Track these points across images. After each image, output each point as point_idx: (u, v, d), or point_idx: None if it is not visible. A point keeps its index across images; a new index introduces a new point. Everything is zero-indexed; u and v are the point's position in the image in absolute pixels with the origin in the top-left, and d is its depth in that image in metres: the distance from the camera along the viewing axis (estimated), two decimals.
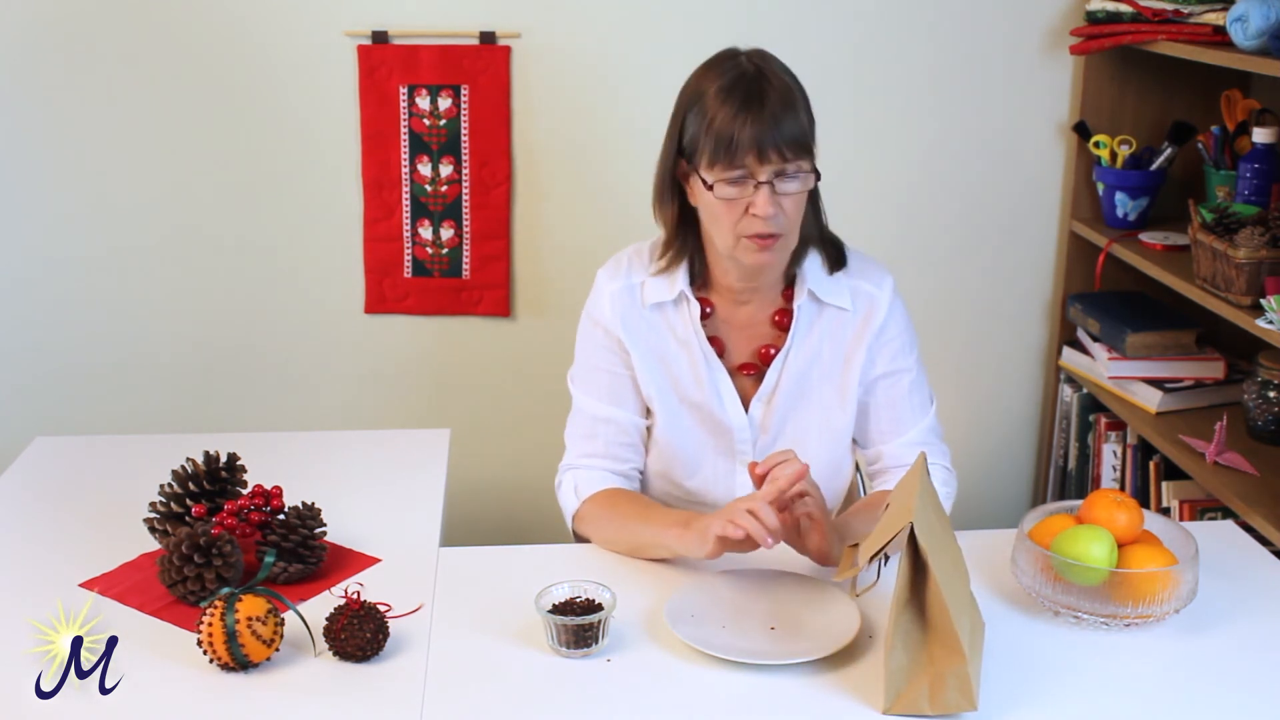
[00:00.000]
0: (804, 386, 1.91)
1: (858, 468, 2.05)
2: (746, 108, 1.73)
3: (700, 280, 1.91)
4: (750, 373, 1.92)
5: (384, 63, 2.76)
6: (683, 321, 1.90)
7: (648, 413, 1.95)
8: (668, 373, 1.92)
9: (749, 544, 1.66)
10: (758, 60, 1.79)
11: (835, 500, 1.98)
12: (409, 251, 2.88)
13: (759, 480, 1.70)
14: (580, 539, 1.94)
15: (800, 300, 1.88)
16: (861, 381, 1.92)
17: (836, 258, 1.91)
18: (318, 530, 1.76)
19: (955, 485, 1.96)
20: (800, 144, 1.74)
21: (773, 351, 1.90)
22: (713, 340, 1.90)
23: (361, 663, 1.55)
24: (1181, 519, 2.52)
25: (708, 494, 1.95)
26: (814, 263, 1.90)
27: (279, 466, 2.01)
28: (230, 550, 1.67)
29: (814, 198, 1.88)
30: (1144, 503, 2.42)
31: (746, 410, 1.91)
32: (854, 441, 1.99)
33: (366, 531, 1.88)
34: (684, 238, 1.89)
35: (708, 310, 1.90)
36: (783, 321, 1.90)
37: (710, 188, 1.76)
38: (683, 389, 1.91)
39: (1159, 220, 2.81)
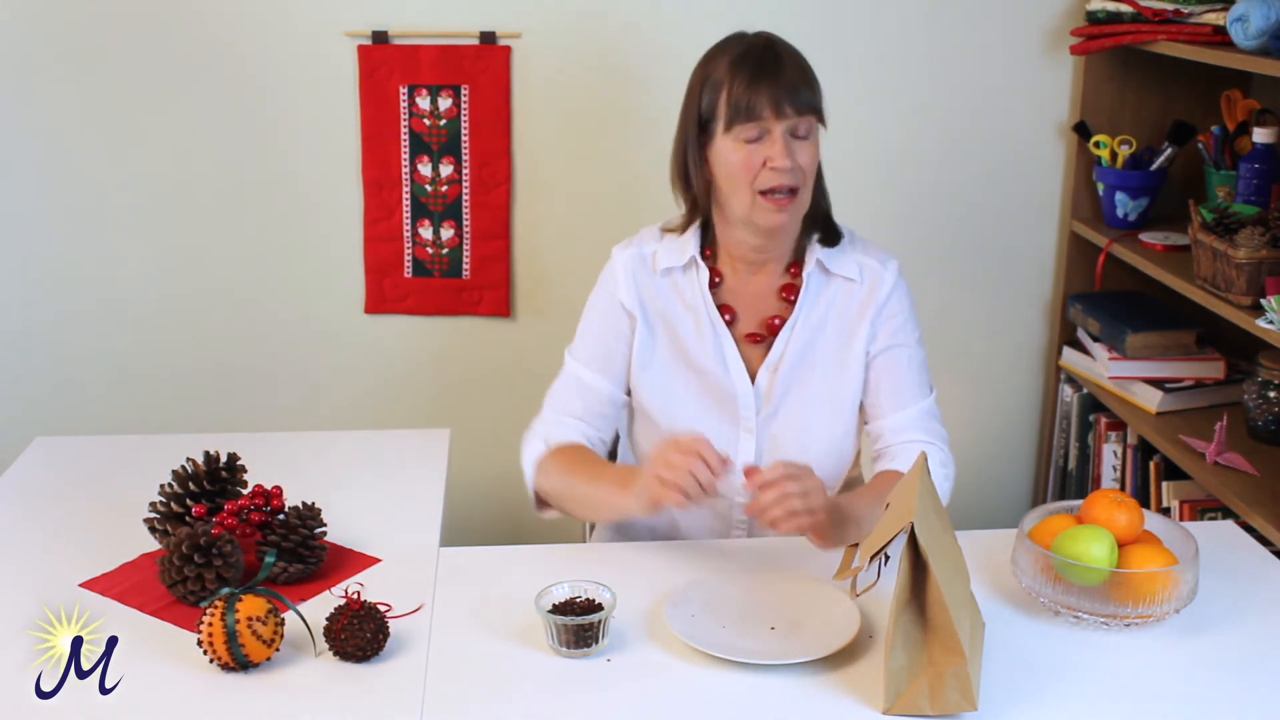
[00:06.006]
0: (809, 357, 1.94)
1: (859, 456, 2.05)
2: (762, 69, 1.83)
3: (709, 252, 1.96)
4: (756, 341, 1.94)
5: (384, 63, 2.76)
6: (691, 287, 1.94)
7: (628, 391, 1.99)
8: (673, 338, 1.95)
9: (687, 496, 1.66)
10: (765, 36, 1.89)
11: (837, 475, 1.98)
12: (409, 251, 2.88)
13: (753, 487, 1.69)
14: (541, 503, 1.95)
15: (809, 269, 1.93)
16: (865, 355, 1.95)
17: (830, 237, 1.95)
18: (318, 530, 1.76)
19: (954, 469, 1.97)
20: (811, 105, 1.84)
21: (778, 322, 1.93)
22: (722, 308, 1.94)
23: (361, 663, 1.55)
24: (1181, 519, 2.52)
25: None
26: (816, 239, 1.95)
27: (279, 466, 2.01)
28: (230, 550, 1.67)
29: (821, 180, 1.94)
30: (1144, 503, 2.42)
31: (753, 380, 1.93)
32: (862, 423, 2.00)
33: (366, 531, 1.88)
34: (698, 208, 1.94)
35: (716, 280, 1.95)
36: (789, 295, 1.94)
37: (728, 149, 1.83)
38: (688, 355, 1.94)
39: (1159, 220, 2.81)
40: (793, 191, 1.83)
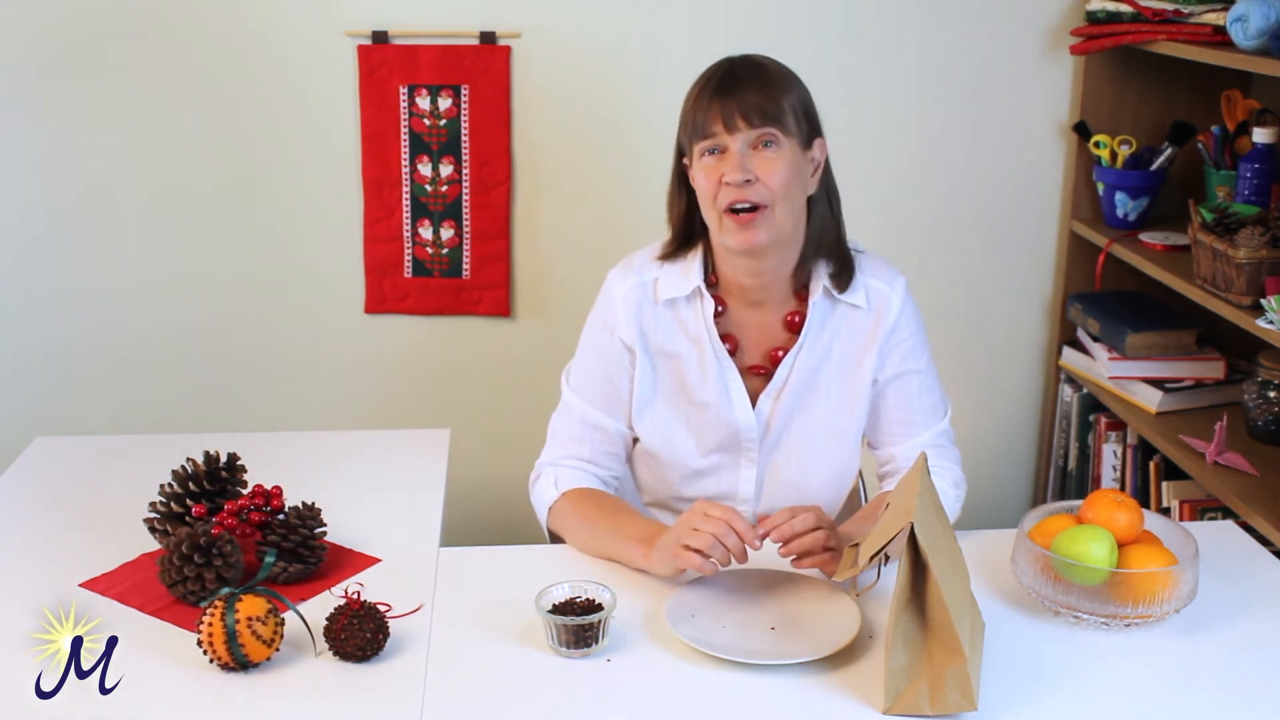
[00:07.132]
0: (813, 384, 1.90)
1: (860, 473, 2.04)
2: (718, 87, 1.78)
3: (713, 280, 1.90)
4: (760, 373, 1.91)
5: (384, 63, 2.76)
6: (695, 318, 1.89)
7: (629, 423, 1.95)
8: (675, 372, 1.91)
9: (710, 563, 1.65)
10: (732, 58, 1.84)
11: (838, 501, 1.98)
12: (409, 251, 2.88)
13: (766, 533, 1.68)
14: (555, 537, 1.93)
15: (815, 297, 1.87)
16: (872, 383, 1.91)
17: (844, 275, 1.88)
18: (318, 530, 1.76)
19: (965, 489, 1.96)
20: (767, 112, 1.75)
21: (782, 354, 1.89)
22: (725, 338, 1.89)
23: (361, 663, 1.55)
24: (1181, 519, 2.52)
25: (709, 492, 1.94)
26: (825, 270, 1.88)
27: (279, 466, 2.01)
28: (230, 550, 1.67)
29: (833, 207, 1.89)
30: (1144, 503, 2.42)
31: (754, 406, 1.90)
32: (866, 444, 1.98)
33: (366, 531, 1.88)
34: (690, 231, 1.90)
35: (719, 310, 1.89)
36: (794, 323, 1.89)
37: (696, 171, 1.80)
38: (690, 389, 1.90)
39: (1159, 220, 2.81)
40: (757, 208, 1.75)
